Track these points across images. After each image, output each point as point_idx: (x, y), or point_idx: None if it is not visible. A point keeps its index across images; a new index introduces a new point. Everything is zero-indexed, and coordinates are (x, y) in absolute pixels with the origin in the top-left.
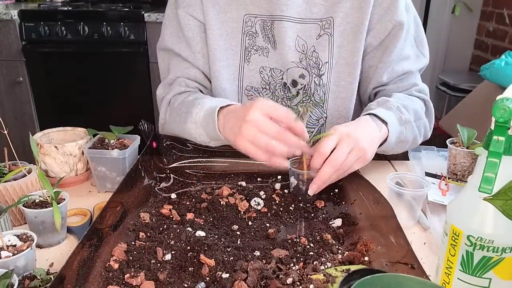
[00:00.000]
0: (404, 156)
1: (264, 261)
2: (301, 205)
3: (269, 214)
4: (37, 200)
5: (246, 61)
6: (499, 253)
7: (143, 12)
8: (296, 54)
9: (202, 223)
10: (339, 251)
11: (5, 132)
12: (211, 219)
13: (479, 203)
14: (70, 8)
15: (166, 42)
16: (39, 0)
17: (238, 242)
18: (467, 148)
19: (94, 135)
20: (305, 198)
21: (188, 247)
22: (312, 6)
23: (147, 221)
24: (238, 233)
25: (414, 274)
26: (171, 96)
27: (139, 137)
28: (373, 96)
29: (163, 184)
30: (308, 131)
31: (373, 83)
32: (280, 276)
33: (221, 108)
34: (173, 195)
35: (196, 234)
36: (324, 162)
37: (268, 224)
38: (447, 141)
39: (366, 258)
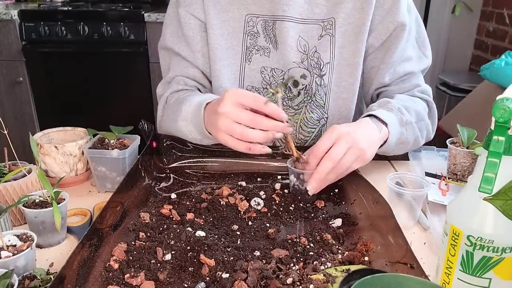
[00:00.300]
0: (404, 156)
1: (264, 261)
2: (301, 205)
3: (269, 214)
4: (37, 200)
5: (247, 61)
6: (499, 253)
7: (143, 12)
8: (298, 55)
9: (202, 223)
10: (339, 251)
11: (5, 132)
12: (211, 219)
13: (479, 203)
14: (70, 8)
15: (166, 41)
16: (39, 0)
17: (238, 242)
18: (467, 148)
19: (94, 135)
20: (305, 197)
21: (188, 247)
22: (314, 7)
23: (147, 221)
24: (238, 233)
25: (414, 274)
26: (168, 94)
27: (139, 137)
28: (375, 97)
29: (163, 184)
30: (308, 132)
31: (375, 84)
32: (280, 276)
33: (207, 103)
34: (173, 195)
35: (196, 234)
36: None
37: (268, 224)
38: (447, 141)
39: (366, 258)
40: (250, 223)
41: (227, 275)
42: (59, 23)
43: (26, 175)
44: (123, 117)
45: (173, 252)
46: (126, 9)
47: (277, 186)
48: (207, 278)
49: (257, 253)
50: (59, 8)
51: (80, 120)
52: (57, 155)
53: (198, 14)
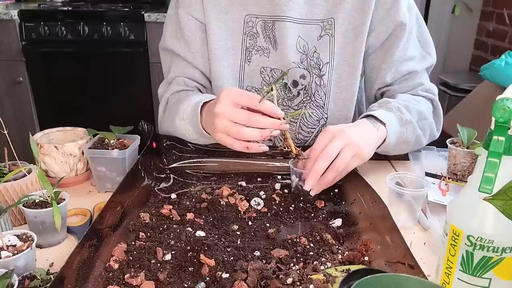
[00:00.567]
0: (404, 156)
1: (264, 261)
2: (301, 205)
3: (269, 214)
4: (37, 200)
5: (246, 61)
6: (499, 253)
7: (143, 12)
8: (297, 55)
9: (202, 223)
10: (339, 251)
11: (5, 132)
12: (211, 219)
13: (479, 203)
14: (70, 8)
15: (166, 42)
16: (39, 0)
17: (238, 242)
18: (467, 148)
19: (94, 135)
20: (306, 197)
21: (188, 247)
22: (313, 7)
23: (147, 221)
24: (238, 233)
25: (414, 274)
26: (169, 95)
27: (139, 137)
28: (379, 96)
29: (163, 184)
30: (308, 132)
31: (377, 84)
32: (280, 276)
33: (204, 103)
34: (173, 195)
35: (196, 234)
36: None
37: (268, 224)
38: (447, 141)
39: (366, 258)
40: (250, 223)
41: (227, 275)
42: (59, 23)
43: (26, 175)
44: (123, 117)
45: (173, 252)
46: (126, 9)
47: (277, 186)
48: (207, 278)
49: (257, 253)
50: (59, 8)
51: (80, 120)
52: (57, 155)
53: (198, 15)
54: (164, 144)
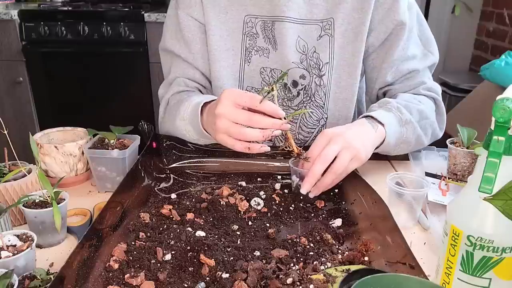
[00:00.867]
0: (404, 156)
1: (264, 261)
2: (301, 205)
3: (269, 214)
4: (37, 200)
5: (246, 61)
6: (499, 253)
7: (143, 12)
8: (297, 55)
9: (202, 223)
10: (339, 251)
11: (5, 132)
12: (211, 219)
13: (479, 203)
14: (70, 8)
15: (166, 43)
16: (39, 0)
17: (238, 242)
18: (467, 148)
19: (94, 135)
20: (306, 197)
21: (188, 247)
22: (313, 7)
23: (147, 221)
24: (238, 233)
25: (414, 274)
26: (169, 96)
27: (139, 137)
28: (381, 96)
29: (163, 184)
30: (308, 132)
31: (378, 84)
32: (280, 276)
33: (205, 104)
34: (173, 195)
35: (196, 234)
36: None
37: (268, 224)
38: (447, 141)
39: (366, 258)
40: (250, 223)
41: (227, 275)
42: (59, 23)
43: (26, 175)
44: (123, 117)
45: (173, 252)
46: (126, 9)
47: (277, 186)
48: (207, 278)
49: (257, 253)
50: (59, 8)
51: (80, 120)
52: (57, 155)
53: (197, 16)
54: (164, 144)
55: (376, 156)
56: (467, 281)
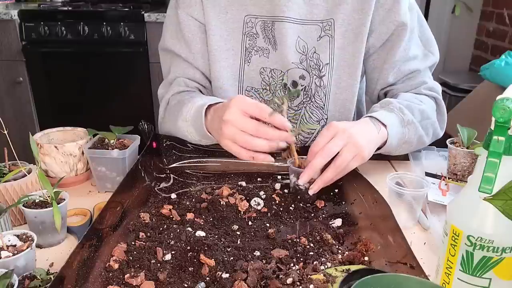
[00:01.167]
0: (404, 156)
1: (264, 261)
2: (301, 205)
3: (269, 214)
4: (37, 200)
5: (246, 61)
6: (499, 253)
7: (143, 12)
8: (297, 55)
9: (202, 223)
10: (339, 251)
11: (5, 132)
12: (211, 219)
13: (479, 203)
14: (70, 8)
15: (166, 42)
16: (39, 0)
17: (238, 242)
18: (467, 148)
19: (94, 135)
20: (304, 197)
21: (188, 247)
22: (313, 8)
23: (147, 221)
24: (238, 233)
25: (414, 274)
26: (170, 95)
27: (139, 137)
28: (382, 96)
29: (163, 184)
30: (308, 133)
31: (380, 84)
32: (280, 276)
33: (210, 106)
34: (173, 195)
35: (196, 234)
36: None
37: (268, 224)
38: (447, 141)
39: (366, 258)
40: (250, 223)
41: (227, 275)
42: (59, 23)
43: (26, 175)
44: (123, 117)
45: (173, 252)
46: (126, 9)
47: (277, 186)
48: (207, 278)
49: (257, 253)
50: (59, 8)
51: (80, 120)
52: (57, 155)
53: (198, 16)
54: (164, 144)
55: (376, 156)
56: (467, 281)
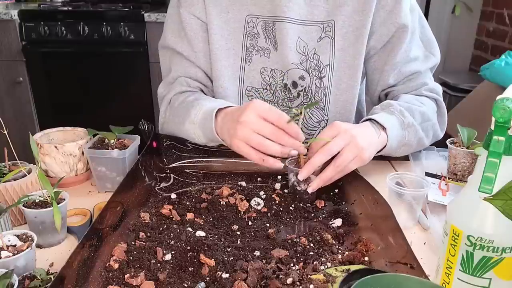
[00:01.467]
0: (404, 156)
1: (264, 261)
2: (301, 205)
3: (269, 214)
4: (37, 200)
5: (247, 61)
6: (499, 253)
7: (143, 12)
8: (297, 56)
9: (202, 223)
10: (339, 251)
11: (5, 132)
12: (211, 219)
13: (479, 203)
14: (70, 8)
15: (167, 40)
16: (39, 0)
17: (238, 242)
18: (467, 148)
19: (94, 135)
20: (303, 196)
21: (188, 247)
22: (314, 8)
23: (147, 221)
24: (238, 233)
25: (414, 274)
26: (172, 95)
27: (139, 137)
28: (384, 97)
29: (163, 184)
30: (309, 134)
31: (380, 86)
32: (280, 276)
33: (219, 110)
34: (173, 195)
35: (196, 234)
36: None
37: (268, 224)
38: (447, 141)
39: (366, 258)
40: (250, 223)
41: (227, 275)
42: (59, 23)
43: (26, 175)
44: (123, 117)
45: (173, 252)
46: (126, 9)
47: (277, 186)
48: (207, 278)
49: (257, 253)
50: (59, 8)
51: (80, 120)
52: (57, 155)
53: (200, 15)
54: (164, 144)
55: (376, 156)
56: (467, 281)
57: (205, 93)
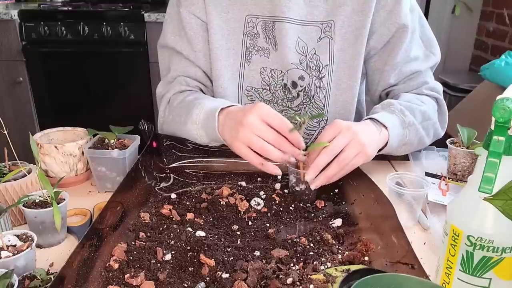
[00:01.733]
0: (404, 156)
1: (264, 261)
2: (301, 205)
3: (269, 214)
4: (37, 200)
5: (247, 61)
6: (499, 253)
7: (143, 12)
8: (296, 56)
9: (202, 223)
10: (339, 251)
11: (5, 132)
12: (211, 219)
13: (479, 203)
14: (70, 8)
15: (167, 39)
16: (39, 0)
17: (238, 242)
18: (467, 148)
19: (94, 135)
20: (302, 197)
21: (188, 247)
22: (313, 9)
23: (147, 221)
24: (238, 233)
25: (414, 274)
26: (171, 95)
27: (139, 137)
28: (384, 96)
29: (163, 184)
30: (308, 134)
31: (381, 85)
32: (280, 276)
33: (222, 109)
34: (173, 195)
35: (196, 234)
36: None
37: (268, 224)
38: (447, 141)
39: (366, 258)
40: (250, 223)
41: (227, 275)
42: (59, 23)
43: (26, 175)
44: (123, 117)
45: (173, 252)
46: (126, 9)
47: (277, 186)
48: (207, 278)
49: (257, 253)
50: (59, 8)
51: (80, 120)
52: (57, 155)
53: (200, 14)
54: (164, 144)
55: (377, 156)
56: (467, 281)
57: (204, 93)
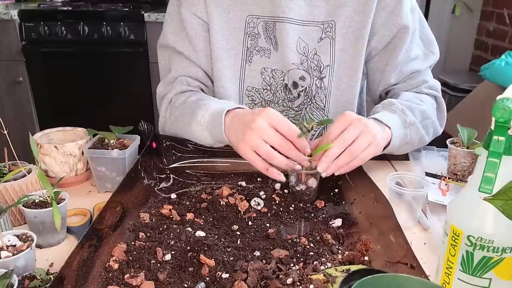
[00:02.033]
0: (404, 156)
1: (264, 261)
2: (301, 205)
3: (269, 214)
4: (37, 200)
5: (247, 61)
6: (499, 253)
7: (143, 12)
8: (297, 56)
9: (202, 223)
10: (339, 251)
11: (5, 132)
12: (211, 219)
13: (479, 203)
14: (70, 8)
15: (168, 39)
16: (39, 0)
17: (238, 242)
18: (467, 148)
19: (94, 135)
20: (302, 197)
21: (188, 247)
22: (314, 9)
23: (147, 221)
24: (238, 233)
25: (414, 274)
26: (173, 95)
27: (139, 137)
28: (384, 95)
29: (163, 184)
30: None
31: (382, 85)
32: (280, 276)
33: (228, 111)
34: (173, 195)
35: (196, 234)
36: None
37: (268, 224)
38: (447, 141)
39: (366, 258)
40: (250, 223)
41: (227, 275)
42: (59, 23)
43: (26, 175)
44: (123, 117)
45: (173, 252)
46: (126, 9)
47: (277, 186)
48: (207, 278)
49: (257, 253)
50: (59, 8)
51: (80, 120)
52: (57, 155)
53: (201, 14)
54: (164, 144)
55: (376, 156)
56: (467, 281)
57: (205, 93)
